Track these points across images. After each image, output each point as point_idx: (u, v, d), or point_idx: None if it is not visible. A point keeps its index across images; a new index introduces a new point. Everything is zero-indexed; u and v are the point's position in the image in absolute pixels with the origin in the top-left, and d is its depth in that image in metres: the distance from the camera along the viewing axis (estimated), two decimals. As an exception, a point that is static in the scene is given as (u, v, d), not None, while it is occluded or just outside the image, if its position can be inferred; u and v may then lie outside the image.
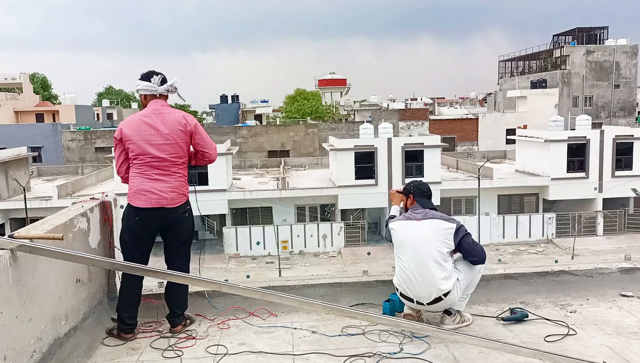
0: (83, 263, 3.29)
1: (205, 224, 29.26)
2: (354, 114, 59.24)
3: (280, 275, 21.56)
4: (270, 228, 26.91)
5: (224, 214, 28.42)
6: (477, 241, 3.66)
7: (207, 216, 28.75)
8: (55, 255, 2.76)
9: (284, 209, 28.47)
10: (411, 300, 3.56)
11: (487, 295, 4.04)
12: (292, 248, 27.33)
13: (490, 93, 62.70)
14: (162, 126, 3.50)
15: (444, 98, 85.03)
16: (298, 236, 27.44)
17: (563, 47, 50.07)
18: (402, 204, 3.95)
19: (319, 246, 27.51)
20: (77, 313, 3.34)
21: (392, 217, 3.90)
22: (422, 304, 3.53)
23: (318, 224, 28.05)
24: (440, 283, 3.46)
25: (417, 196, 3.81)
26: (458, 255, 3.63)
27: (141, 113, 3.57)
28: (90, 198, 3.83)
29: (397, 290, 3.66)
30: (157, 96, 3.61)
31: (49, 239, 2.80)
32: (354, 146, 28.19)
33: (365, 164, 27.78)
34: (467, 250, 3.55)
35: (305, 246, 27.45)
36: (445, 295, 3.47)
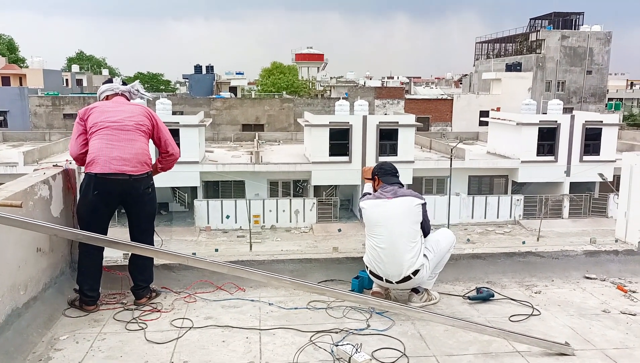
0: (44, 233, 3.18)
1: (176, 196, 28.93)
2: (330, 90, 58.92)
3: (251, 250, 21.55)
4: (242, 202, 26.78)
5: (196, 187, 28.11)
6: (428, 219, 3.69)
7: (178, 188, 28.42)
8: (13, 223, 2.65)
9: (257, 184, 28.32)
10: (380, 279, 3.57)
11: (454, 274, 4.08)
12: (263, 222, 27.29)
13: (466, 75, 63.07)
14: (126, 109, 3.62)
15: (420, 78, 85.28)
16: (270, 211, 27.39)
17: (539, 31, 50.50)
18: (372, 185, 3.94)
19: (290, 221, 27.53)
20: (37, 283, 3.24)
21: (364, 195, 3.89)
22: (391, 282, 3.54)
23: (291, 199, 28.02)
24: (410, 262, 3.47)
25: (381, 176, 3.80)
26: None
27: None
28: (53, 165, 3.69)
29: (367, 268, 3.66)
30: (119, 94, 3.76)
31: (7, 206, 2.68)
32: (329, 122, 28.08)
33: (339, 141, 27.73)
34: (423, 225, 3.59)
35: (277, 221, 27.45)
36: (414, 273, 3.48)
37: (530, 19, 54.14)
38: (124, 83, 3.84)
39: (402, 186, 3.72)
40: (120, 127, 3.48)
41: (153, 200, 3.65)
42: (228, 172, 27.58)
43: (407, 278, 3.50)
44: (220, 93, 52.68)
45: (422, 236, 3.59)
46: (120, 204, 3.54)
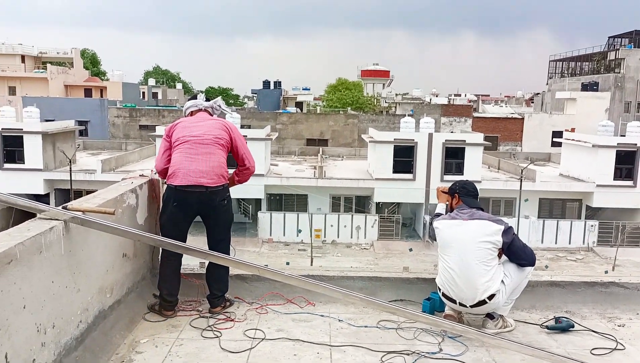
0: (131, 238, 3.35)
1: (241, 207, 29.64)
2: (396, 107, 58.67)
3: (312, 264, 21.65)
4: (304, 216, 27.03)
5: (260, 199, 28.70)
6: (526, 244, 3.56)
7: (243, 199, 29.11)
8: (106, 228, 2.82)
9: (319, 198, 28.53)
10: (453, 301, 3.50)
11: (530, 301, 3.93)
12: (324, 237, 27.40)
13: (538, 93, 60.98)
14: (206, 124, 3.79)
15: (488, 96, 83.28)
16: (332, 225, 27.49)
17: (618, 49, 48.12)
18: (447, 204, 3.88)
19: (351, 237, 27.50)
20: (121, 287, 3.41)
21: (438, 215, 3.84)
22: (465, 306, 3.46)
23: (352, 215, 28.01)
24: (485, 286, 3.38)
25: (462, 195, 3.73)
26: (505, 257, 3.54)
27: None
28: (140, 175, 3.90)
29: (440, 289, 3.60)
30: (202, 110, 3.96)
31: (101, 213, 2.86)
32: (394, 139, 27.95)
33: (404, 158, 27.53)
34: (516, 252, 3.46)
35: (338, 236, 27.49)
36: (490, 298, 3.39)
37: (609, 37, 51.82)
38: (207, 99, 4.03)
39: (482, 210, 3.64)
40: (199, 141, 3.64)
41: (229, 211, 3.79)
42: (292, 186, 27.98)
43: (482, 303, 3.41)
44: (287, 108, 53.81)
45: (499, 260, 3.49)
46: (198, 214, 3.69)
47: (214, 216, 3.70)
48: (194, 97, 4.03)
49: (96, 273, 3.04)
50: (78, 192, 25.46)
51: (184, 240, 3.62)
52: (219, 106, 4.03)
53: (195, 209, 3.64)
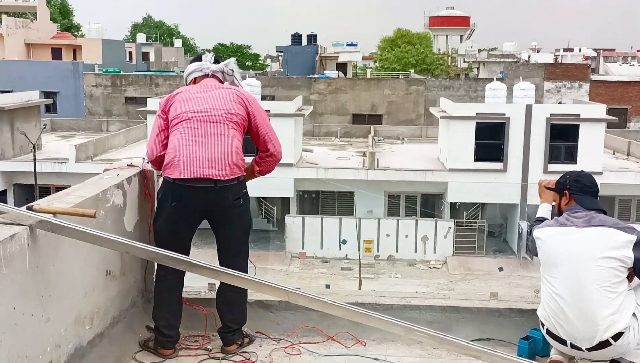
0: (117, 250, 3.44)
1: (263, 210, 29.95)
2: (478, 67, 58.03)
3: (360, 287, 21.70)
4: (349, 222, 27.11)
5: (288, 199, 28.96)
6: None
7: (265, 199, 29.40)
8: (84, 236, 2.89)
9: (371, 197, 28.53)
10: (563, 342, 3.45)
11: (675, 343, 3.84)
12: (378, 251, 27.45)
13: (686, 46, 59.11)
14: (214, 95, 3.83)
15: (614, 50, 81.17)
16: (388, 235, 27.49)
17: None
18: (554, 204, 3.83)
19: (415, 251, 27.46)
20: (104, 315, 3.52)
21: (540, 220, 3.79)
22: (580, 349, 3.41)
23: (417, 220, 27.95)
24: (608, 321, 3.32)
25: (575, 192, 3.68)
26: (637, 281, 3.47)
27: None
28: (128, 165, 3.99)
29: (543, 325, 3.56)
30: (209, 76, 4.00)
31: (78, 215, 2.94)
32: (476, 113, 27.71)
33: (490, 141, 27.29)
34: None
35: (396, 250, 27.50)
36: (616, 338, 3.33)
37: None
38: (216, 61, 4.07)
39: (604, 213, 3.57)
40: (206, 118, 3.69)
41: (246, 214, 3.85)
42: (331, 179, 28.06)
43: (604, 344, 3.35)
44: (325, 72, 53.86)
45: (628, 285, 3.43)
46: (204, 218, 3.76)
47: (226, 221, 3.77)
48: (198, 58, 4.09)
49: (71, 297, 3.14)
50: (45, 188, 26.27)
51: (187, 253, 3.68)
52: (232, 71, 4.07)
53: (201, 212, 3.71)
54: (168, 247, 3.59)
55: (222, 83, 4.04)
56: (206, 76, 4.00)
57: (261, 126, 3.89)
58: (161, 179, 3.88)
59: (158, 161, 3.84)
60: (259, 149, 3.99)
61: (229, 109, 3.74)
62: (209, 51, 3.97)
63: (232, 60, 4.16)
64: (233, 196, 3.70)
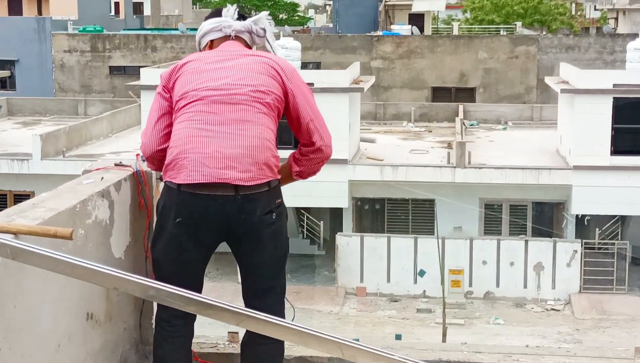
0: (101, 285, 3.48)
1: (303, 226, 30.01)
2: (616, 18, 57.15)
3: (444, 339, 21.58)
4: (429, 243, 27.00)
5: (340, 210, 28.97)
6: None
7: (307, 210, 29.45)
8: (57, 266, 2.93)
9: (460, 207, 28.39)
10: None
11: None
12: (470, 286, 27.38)
13: None
14: (237, 65, 3.82)
15: None
16: (485, 262, 27.38)
17: None
18: None
19: (526, 286, 27.35)
20: (85, 376, 3.58)
21: None
22: None
23: (527, 241, 27.74)
24: None
25: None
26: None
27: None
28: (116, 164, 4.04)
29: None
30: (232, 38, 3.98)
31: (49, 236, 3.00)
32: (614, 85, 27.41)
33: (634, 125, 27.09)
34: None
35: (497, 285, 27.42)
36: None
37: None
38: (242, 17, 4.06)
39: None
40: (225, 98, 3.69)
41: (280, 234, 3.84)
42: (403, 182, 28.00)
43: None
44: (392, 27, 53.70)
45: None
46: (222, 240, 3.78)
47: (252, 243, 3.76)
48: (216, 13, 4.09)
49: (40, 351, 3.19)
50: (0, 196, 26.66)
51: (199, 289, 3.73)
52: (264, 30, 4.07)
53: (218, 231, 3.71)
54: (171, 280, 3.63)
55: (250, 48, 4.05)
56: (227, 37, 3.99)
57: (303, 110, 3.87)
58: (162, 184, 3.94)
59: (157, 159, 3.84)
60: (299, 141, 3.97)
61: (257, 86, 3.72)
62: (230, 2, 3.90)
63: (264, 14, 4.11)
64: (262, 209, 3.68)
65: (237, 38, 3.99)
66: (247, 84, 3.70)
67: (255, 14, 4.15)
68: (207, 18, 4.09)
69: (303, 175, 4.05)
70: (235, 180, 3.56)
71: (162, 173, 3.80)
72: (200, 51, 4.06)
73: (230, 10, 4.01)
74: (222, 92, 3.68)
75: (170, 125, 3.78)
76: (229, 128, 3.62)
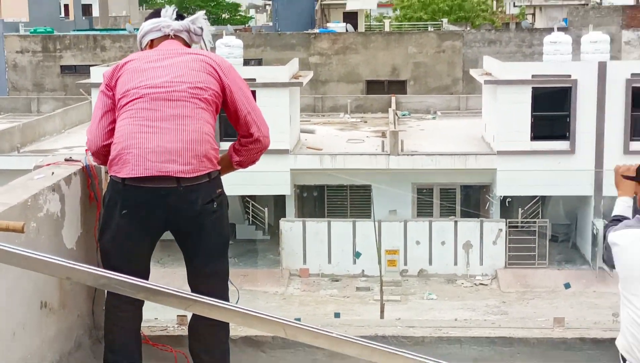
0: (54, 275, 3.44)
1: (249, 213, 29.97)
2: (534, 14, 57.89)
3: (382, 315, 21.71)
4: (366, 226, 27.14)
5: (283, 197, 29.00)
6: None
7: (252, 198, 29.42)
8: (10, 258, 2.90)
9: (394, 192, 28.54)
10: (652, 381, 3.48)
11: None
12: (405, 264, 27.57)
13: None
14: (176, 63, 3.81)
15: None
16: (418, 242, 27.59)
17: None
18: (636, 197, 3.85)
19: (456, 263, 27.61)
20: (40, 362, 3.53)
21: (618, 220, 3.81)
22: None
23: (456, 222, 28.02)
24: None
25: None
26: None
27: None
28: (66, 159, 4.00)
29: (624, 360, 3.58)
30: (171, 37, 3.96)
31: (1, 230, 2.95)
32: (532, 76, 27.80)
33: (552, 113, 27.42)
34: None
35: (430, 263, 27.64)
36: None
37: None
38: (180, 17, 4.04)
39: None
40: (165, 95, 3.68)
41: (222, 221, 3.84)
42: (341, 170, 28.07)
43: None
44: (328, 25, 53.77)
45: None
46: (166, 229, 3.78)
47: (195, 232, 3.77)
48: (156, 14, 4.09)
49: (-5, 339, 3.16)
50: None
51: (146, 275, 3.71)
52: (201, 29, 4.06)
53: (162, 221, 3.71)
54: (120, 269, 3.60)
55: (189, 47, 4.03)
56: (166, 37, 3.97)
57: (240, 103, 3.86)
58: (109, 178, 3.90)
59: (102, 154, 3.82)
60: (239, 133, 3.96)
61: (195, 83, 3.72)
62: (169, 3, 3.86)
63: (201, 14, 4.13)
64: (203, 198, 3.69)
65: (176, 37, 3.98)
66: (185, 81, 3.70)
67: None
68: (147, 18, 4.08)
69: (243, 164, 4.05)
70: (176, 173, 3.57)
71: (107, 168, 3.80)
72: (141, 49, 4.03)
73: (169, 11, 4.01)
74: (162, 90, 3.67)
75: (114, 121, 3.77)
76: (169, 124, 3.63)
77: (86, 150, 4.08)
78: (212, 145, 3.71)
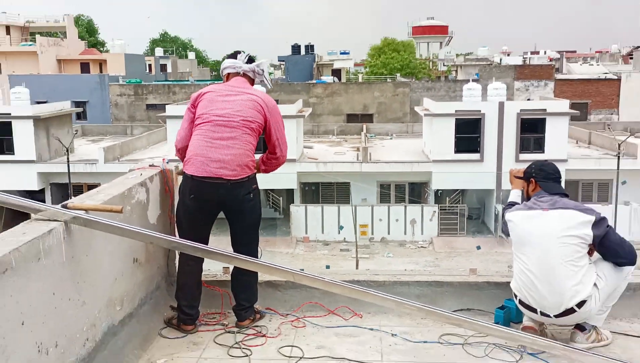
0: (142, 241, 3.46)
1: (270, 200, 29.94)
2: (457, 70, 57.81)
3: (357, 267, 21.72)
4: (346, 209, 27.11)
5: (292, 190, 28.93)
6: (625, 238, 3.49)
7: (272, 190, 29.40)
8: (113, 230, 2.91)
9: (365, 187, 28.54)
10: (534, 310, 3.47)
11: (632, 308, 3.86)
12: (372, 234, 27.50)
13: (638, 47, 58.93)
14: (237, 100, 3.74)
15: (575, 52, 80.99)
16: (380, 220, 27.53)
17: None
18: (523, 190, 3.84)
19: (405, 233, 27.52)
20: (133, 298, 3.53)
21: (512, 205, 3.81)
22: (548, 316, 3.43)
23: (406, 206, 27.97)
24: (572, 291, 3.34)
25: (540, 179, 3.69)
26: (597, 255, 3.49)
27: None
28: (150, 165, 4.00)
29: (516, 296, 3.58)
30: (241, 74, 3.89)
31: (107, 211, 2.95)
32: (455, 111, 27.73)
33: (468, 135, 27.30)
34: (612, 248, 3.40)
35: (388, 233, 27.54)
36: (580, 306, 3.35)
37: None
38: (250, 60, 3.95)
39: (567, 196, 3.59)
40: (225, 123, 3.65)
41: (256, 207, 3.83)
42: (330, 172, 28.08)
43: (570, 311, 3.37)
44: (322, 77, 53.67)
45: (589, 259, 3.44)
46: (220, 210, 3.76)
47: (238, 213, 3.76)
48: (234, 55, 3.96)
49: (103, 283, 3.16)
50: (78, 186, 26.27)
51: (206, 241, 3.70)
52: (262, 71, 3.96)
53: (216, 204, 3.70)
54: (188, 235, 3.62)
55: (253, 82, 3.95)
56: (238, 74, 3.90)
57: (274, 133, 3.84)
58: (180, 177, 3.90)
59: (184, 150, 3.79)
60: (268, 150, 3.95)
61: (246, 117, 3.68)
62: (243, 51, 3.77)
63: (265, 61, 4.03)
64: (244, 191, 3.69)
65: (244, 75, 3.91)
66: (239, 115, 3.68)
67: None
68: (228, 57, 3.98)
69: (267, 171, 4.06)
70: (225, 176, 3.60)
71: (182, 166, 3.82)
72: (222, 76, 4.02)
73: (243, 56, 3.92)
74: (223, 119, 3.67)
75: (192, 130, 3.78)
76: (225, 142, 3.63)
77: (163, 159, 4.10)
78: (251, 158, 3.72)
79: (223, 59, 4.07)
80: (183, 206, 3.73)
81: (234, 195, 3.65)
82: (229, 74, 3.92)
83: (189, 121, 3.81)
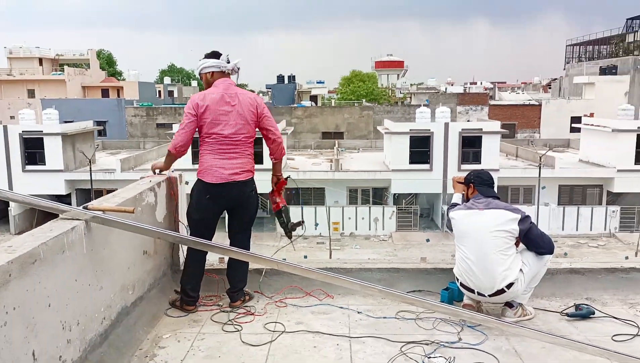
0: (150, 236, 3.41)
1: (259, 202, 29.76)
2: (411, 97, 58.27)
3: (330, 256, 21.70)
4: (322, 209, 27.07)
5: (277, 193, 28.77)
6: (544, 232, 3.54)
7: (261, 194, 29.15)
8: (126, 227, 2.87)
9: (337, 191, 28.52)
10: (472, 291, 3.50)
11: (550, 289, 3.91)
12: (343, 229, 27.42)
13: (555, 79, 60.03)
14: (239, 105, 3.64)
15: (505, 83, 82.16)
16: (349, 218, 27.49)
17: (637, 31, 47.11)
18: (463, 193, 3.87)
19: (370, 229, 27.49)
20: (143, 283, 3.47)
21: (454, 205, 3.83)
22: (484, 295, 3.45)
23: (370, 207, 27.97)
24: (503, 275, 3.37)
25: (477, 185, 3.72)
26: (522, 246, 3.53)
27: (216, 90, 3.63)
28: (158, 173, 3.94)
29: (457, 279, 3.60)
30: (225, 73, 3.72)
31: (121, 212, 2.91)
32: (410, 129, 27.80)
33: (420, 149, 27.37)
34: (534, 240, 3.44)
35: (356, 229, 27.50)
36: (508, 287, 3.38)
37: (627, 19, 50.69)
38: (215, 55, 3.74)
39: (499, 198, 3.62)
40: (231, 142, 3.61)
41: (256, 202, 3.85)
42: (308, 179, 28.00)
43: (500, 292, 3.40)
44: (302, 102, 53.75)
45: (516, 249, 3.48)
46: (228, 207, 3.73)
47: (243, 207, 3.76)
48: (215, 55, 3.71)
49: (118, 271, 3.11)
50: (98, 191, 25.83)
51: (213, 231, 3.68)
52: (238, 69, 3.78)
53: (228, 201, 3.67)
54: (200, 229, 3.61)
55: (229, 76, 3.75)
56: (222, 72, 3.68)
57: (266, 124, 3.75)
58: (181, 184, 3.85)
59: (184, 150, 3.62)
60: (266, 141, 3.81)
61: (247, 133, 3.65)
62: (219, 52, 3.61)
63: (240, 60, 3.81)
64: (248, 189, 3.73)
65: (227, 74, 3.74)
66: (242, 133, 3.64)
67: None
68: (208, 56, 3.72)
69: (276, 157, 3.91)
70: (238, 179, 3.64)
71: (197, 172, 3.64)
72: (199, 74, 3.78)
73: (225, 57, 3.73)
74: (230, 139, 3.60)
75: (193, 131, 3.62)
76: (233, 155, 3.63)
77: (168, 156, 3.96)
78: (252, 164, 3.74)
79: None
80: (197, 205, 3.66)
81: (242, 191, 3.68)
82: (213, 72, 3.68)
83: (191, 127, 3.57)
